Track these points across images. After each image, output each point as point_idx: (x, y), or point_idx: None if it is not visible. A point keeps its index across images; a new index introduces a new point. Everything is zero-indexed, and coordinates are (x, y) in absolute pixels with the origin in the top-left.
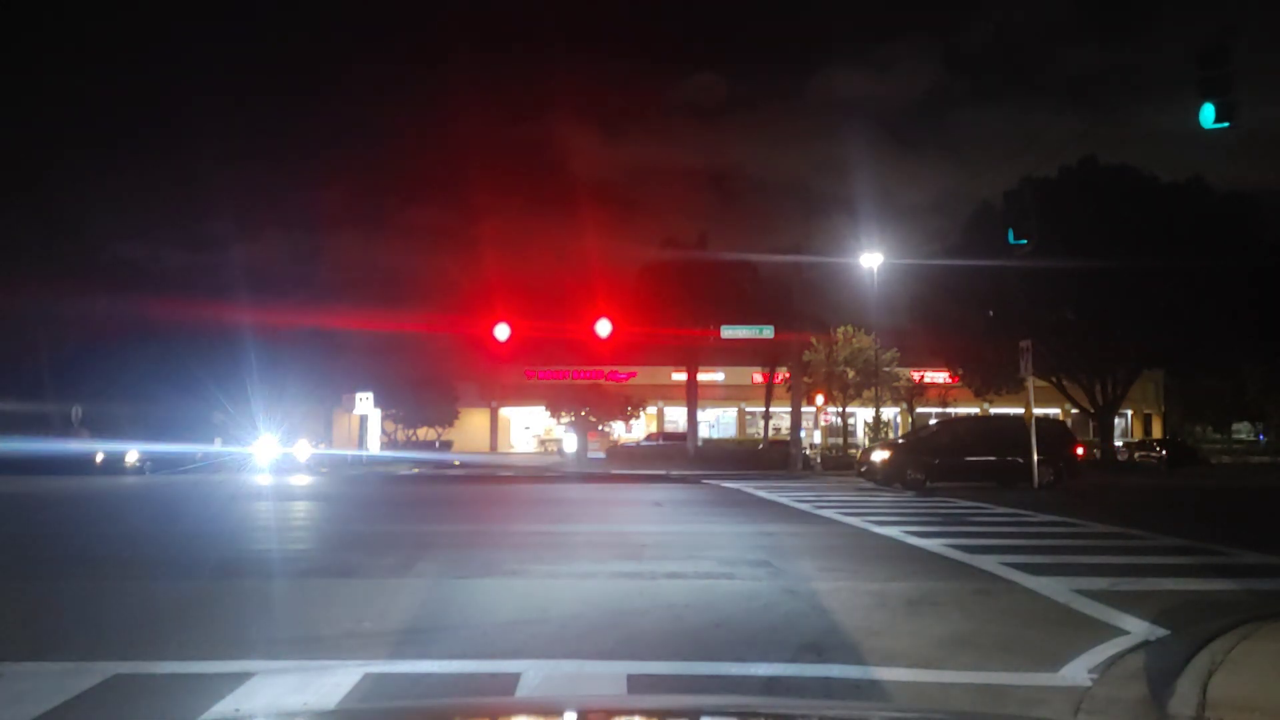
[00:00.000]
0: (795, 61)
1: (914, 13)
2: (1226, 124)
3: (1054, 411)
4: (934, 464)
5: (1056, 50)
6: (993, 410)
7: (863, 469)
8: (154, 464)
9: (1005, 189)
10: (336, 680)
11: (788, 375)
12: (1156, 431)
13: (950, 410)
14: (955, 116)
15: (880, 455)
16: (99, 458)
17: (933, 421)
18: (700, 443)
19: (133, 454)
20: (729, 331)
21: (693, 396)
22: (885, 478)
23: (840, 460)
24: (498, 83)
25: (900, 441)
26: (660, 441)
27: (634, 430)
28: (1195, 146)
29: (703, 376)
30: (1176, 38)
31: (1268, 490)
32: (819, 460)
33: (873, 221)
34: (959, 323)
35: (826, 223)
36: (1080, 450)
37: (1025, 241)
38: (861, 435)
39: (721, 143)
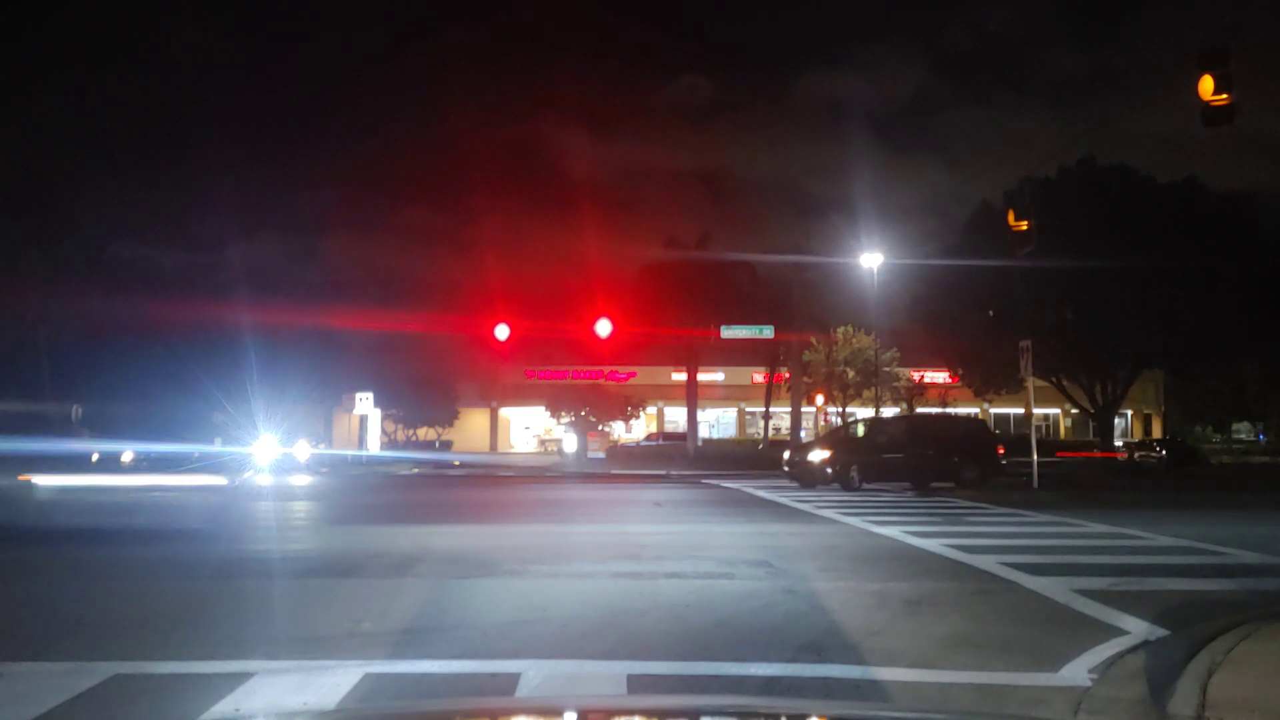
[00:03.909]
0: (784, 63)
1: (903, 14)
2: (1226, 124)
3: (1054, 411)
4: (868, 463)
5: (1046, 51)
6: (993, 410)
7: (787, 468)
8: (150, 464)
9: (999, 189)
10: (336, 680)
11: (788, 375)
12: (1156, 431)
13: (950, 409)
14: (946, 118)
15: (819, 455)
16: (94, 457)
17: (852, 421)
18: (700, 443)
19: (128, 453)
20: (729, 331)
21: (693, 396)
22: (821, 478)
23: None
24: (494, 85)
25: (833, 441)
26: (660, 441)
27: (634, 430)
28: (1188, 147)
29: (703, 376)
30: (1173, 38)
31: (1267, 490)
32: None
33: (869, 222)
34: (959, 323)
35: (823, 223)
36: (1001, 450)
37: (1025, 231)
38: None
39: (715, 144)
